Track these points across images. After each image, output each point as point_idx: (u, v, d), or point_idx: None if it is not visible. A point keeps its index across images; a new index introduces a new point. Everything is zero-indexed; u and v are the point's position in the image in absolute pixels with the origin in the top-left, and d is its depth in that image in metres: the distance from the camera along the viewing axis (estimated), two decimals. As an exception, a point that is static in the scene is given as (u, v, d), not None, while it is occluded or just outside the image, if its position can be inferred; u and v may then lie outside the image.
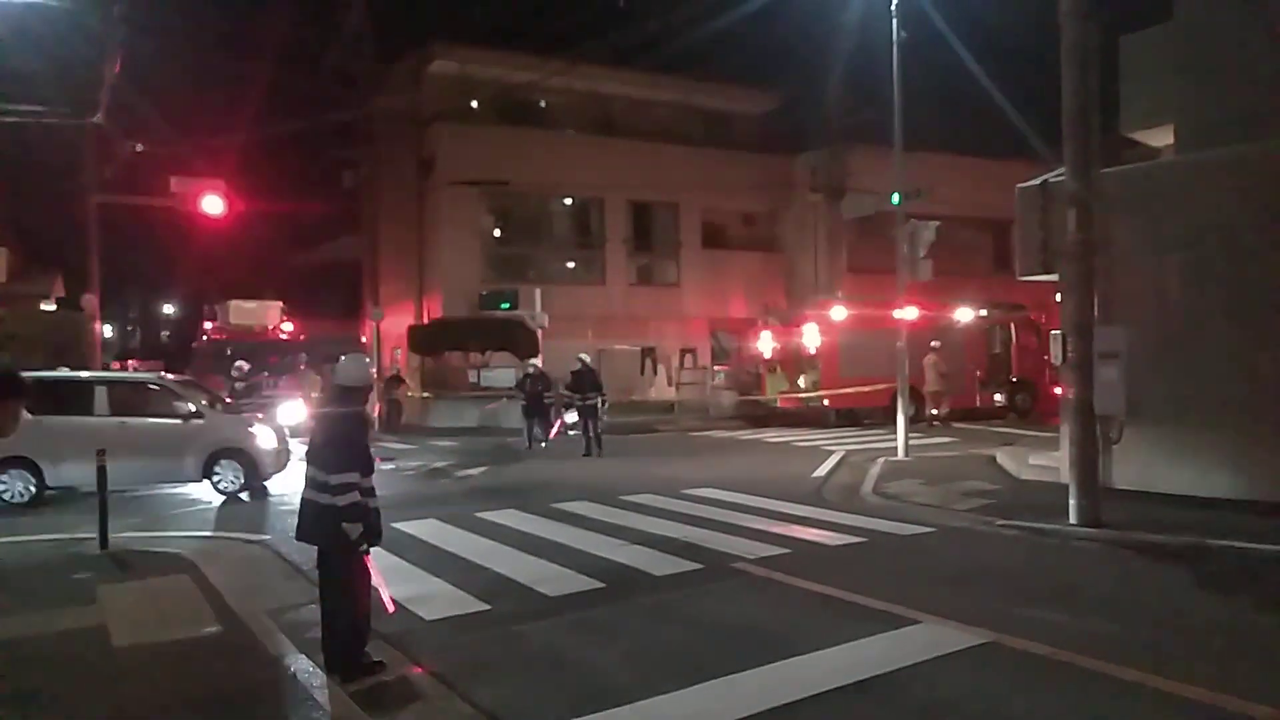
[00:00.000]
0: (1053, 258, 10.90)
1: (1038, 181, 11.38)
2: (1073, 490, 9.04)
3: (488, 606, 6.64)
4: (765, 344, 23.05)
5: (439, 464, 15.79)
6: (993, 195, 19.03)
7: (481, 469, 14.96)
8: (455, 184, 24.59)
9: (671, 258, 28.61)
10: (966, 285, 23.64)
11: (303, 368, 22.85)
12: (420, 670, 5.35)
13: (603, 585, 7.14)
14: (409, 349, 25.30)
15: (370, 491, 5.37)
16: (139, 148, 17.88)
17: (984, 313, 23.11)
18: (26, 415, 4.23)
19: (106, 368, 23.51)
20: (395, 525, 8.85)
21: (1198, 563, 7.61)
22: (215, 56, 30.15)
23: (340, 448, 5.25)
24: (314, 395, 17.37)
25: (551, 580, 7.32)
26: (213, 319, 29.09)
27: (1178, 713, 4.57)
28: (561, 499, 11.14)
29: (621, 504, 10.82)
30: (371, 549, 5.39)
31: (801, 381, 22.06)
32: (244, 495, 12.07)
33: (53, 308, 26.50)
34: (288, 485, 12.31)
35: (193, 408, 12.18)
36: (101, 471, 8.77)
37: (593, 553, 8.23)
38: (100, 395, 11.92)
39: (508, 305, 23.73)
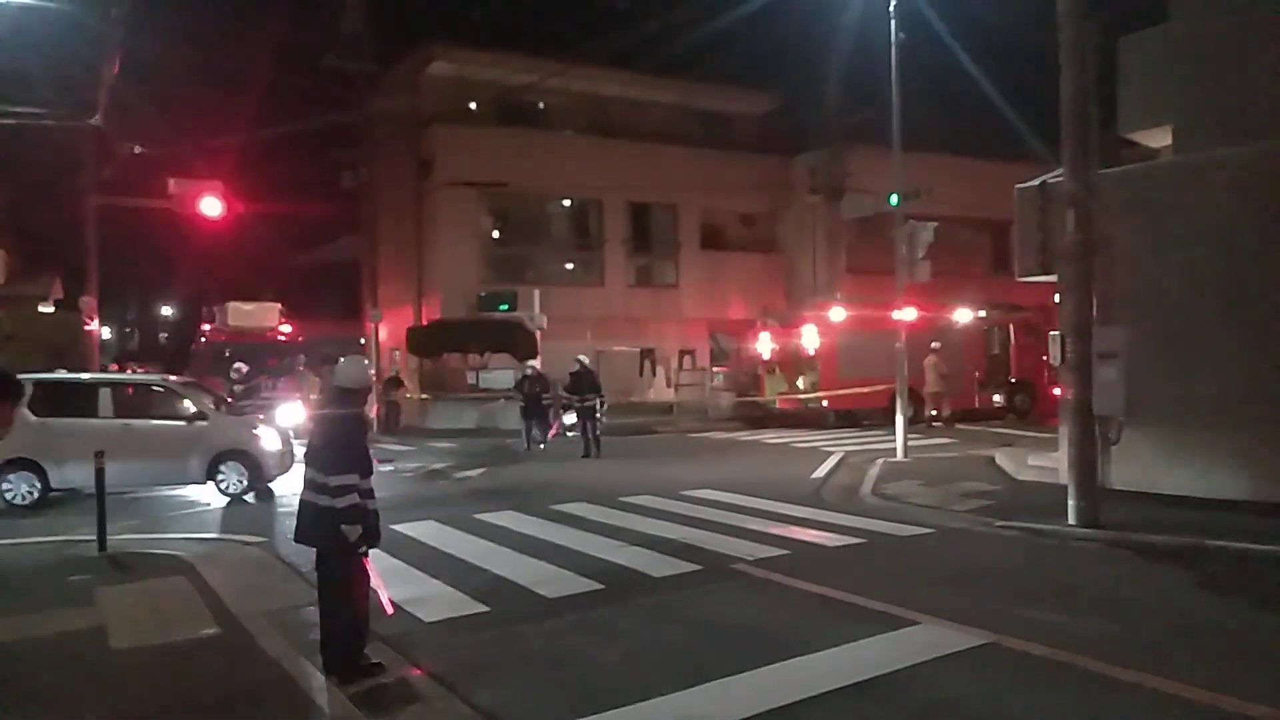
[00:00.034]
0: (1051, 258, 10.91)
1: (1036, 182, 11.40)
2: (1072, 491, 9.04)
3: (487, 608, 6.64)
4: (764, 345, 23.00)
5: (438, 465, 15.78)
6: (991, 196, 19.09)
7: (480, 470, 14.94)
8: (454, 185, 24.60)
9: (670, 259, 28.59)
10: (965, 286, 23.62)
11: (301, 369, 22.80)
12: (419, 672, 5.35)
13: (602, 586, 7.14)
14: (408, 350, 25.29)
15: (369, 493, 5.36)
16: (137, 149, 17.85)
17: (983, 313, 23.08)
18: (28, 416, 4.24)
19: (105, 370, 23.48)
20: (394, 527, 8.84)
21: (1197, 563, 7.62)
22: (214, 58, 30.23)
23: (339, 449, 5.25)
24: (312, 397, 17.35)
25: (550, 582, 7.31)
26: (211, 320, 29.03)
27: (1177, 713, 4.57)
28: (560, 500, 11.14)
29: (620, 505, 10.82)
30: (370, 550, 5.40)
31: (800, 383, 22.04)
32: (248, 497, 12.05)
33: (51, 309, 26.46)
34: (289, 487, 12.29)
35: (196, 409, 12.16)
36: (100, 473, 8.73)
37: (592, 554, 8.23)
38: (104, 397, 11.90)
39: (506, 306, 23.74)
